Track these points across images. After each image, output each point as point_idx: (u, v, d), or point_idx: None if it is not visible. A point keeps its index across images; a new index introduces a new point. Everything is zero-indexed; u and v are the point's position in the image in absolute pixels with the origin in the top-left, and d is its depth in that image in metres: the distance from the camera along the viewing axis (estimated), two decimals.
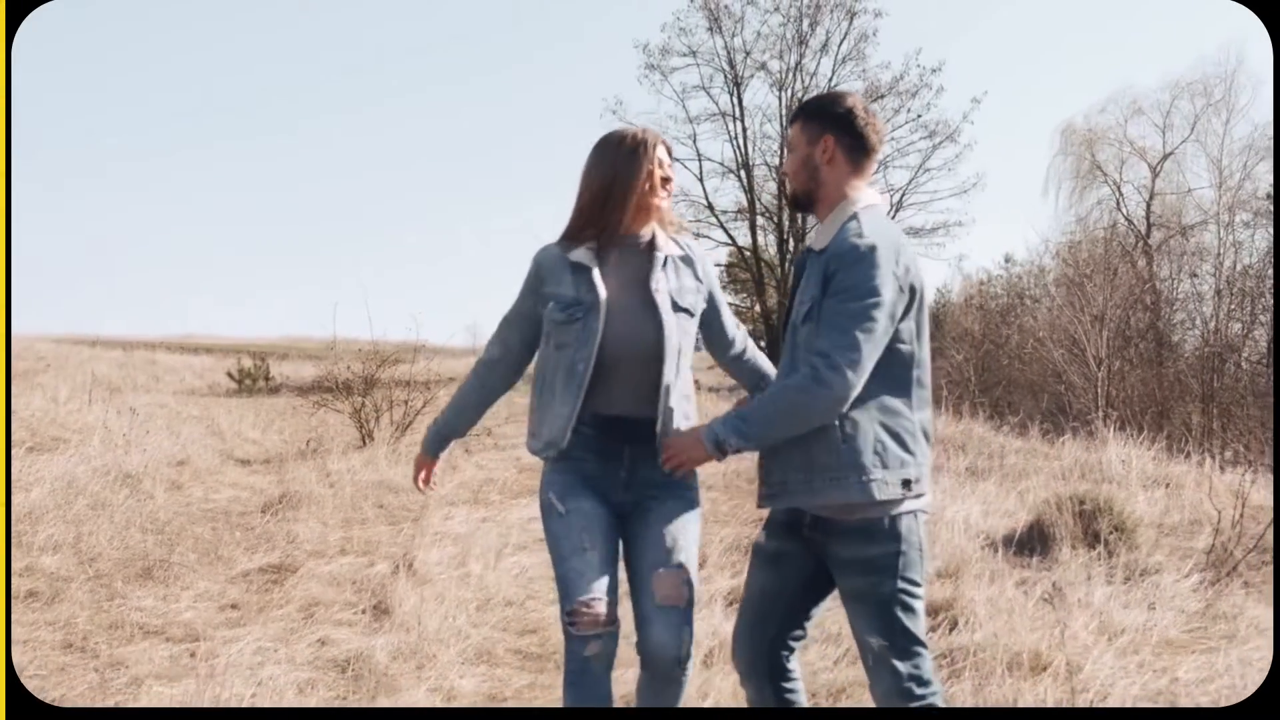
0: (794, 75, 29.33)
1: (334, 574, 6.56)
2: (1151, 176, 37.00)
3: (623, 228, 3.27)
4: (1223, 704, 4.16)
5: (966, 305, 38.20)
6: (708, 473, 13.56)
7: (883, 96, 28.88)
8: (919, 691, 2.96)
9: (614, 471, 3.30)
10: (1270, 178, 31.45)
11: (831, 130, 3.08)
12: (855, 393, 2.88)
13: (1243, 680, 4.33)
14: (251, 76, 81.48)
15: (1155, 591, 6.12)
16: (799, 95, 29.32)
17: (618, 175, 3.23)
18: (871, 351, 2.88)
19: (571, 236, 3.30)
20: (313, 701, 4.46)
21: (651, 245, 3.34)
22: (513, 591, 6.39)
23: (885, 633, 2.97)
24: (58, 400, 13.74)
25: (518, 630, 5.75)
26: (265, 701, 4.33)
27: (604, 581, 3.23)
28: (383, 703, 4.51)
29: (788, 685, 3.30)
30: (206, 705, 4.20)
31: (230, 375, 23.58)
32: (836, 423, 2.93)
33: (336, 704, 4.51)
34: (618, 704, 3.39)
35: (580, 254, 3.27)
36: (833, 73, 29.13)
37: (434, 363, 15.18)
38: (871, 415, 2.95)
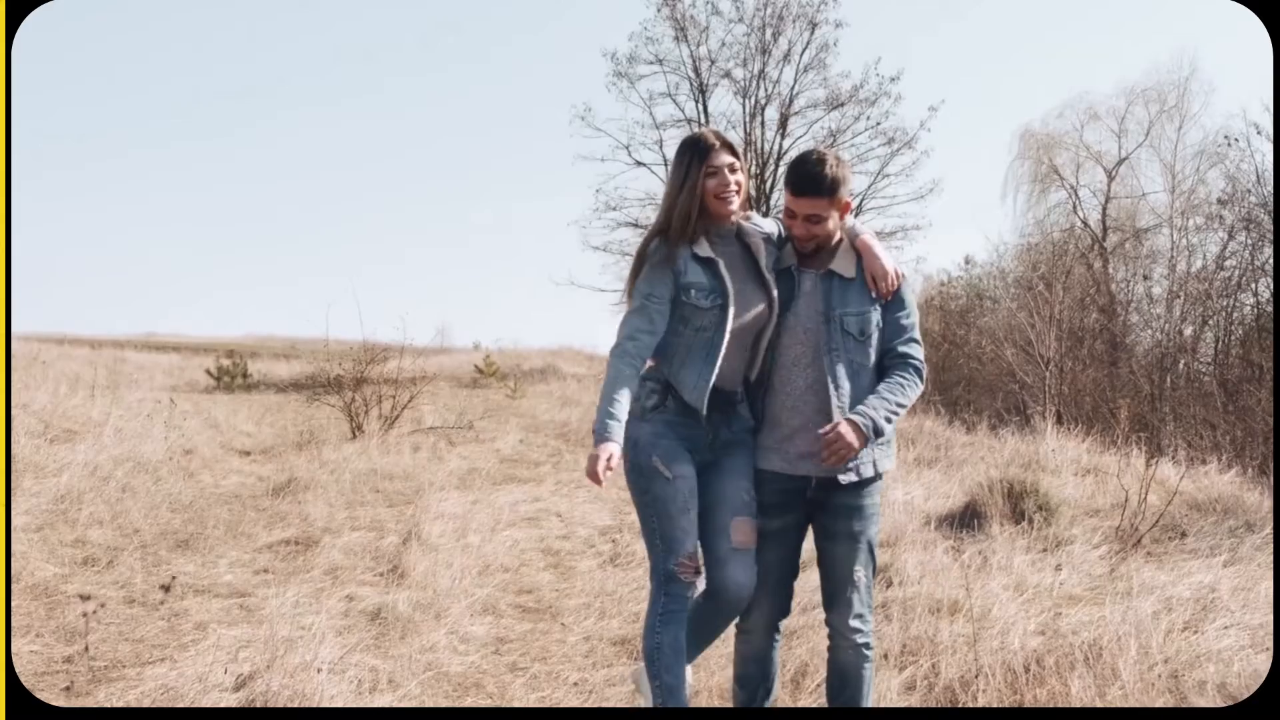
0: (757, 83, 30.14)
1: (349, 545, 7.43)
2: (1107, 181, 38.03)
3: (711, 226, 3.83)
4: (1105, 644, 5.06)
5: (927, 306, 39.16)
6: (553, 435, 14.42)
7: (843, 104, 29.73)
8: (867, 628, 3.87)
9: (702, 434, 3.87)
10: (1222, 183, 32.39)
11: (848, 193, 3.81)
12: None
13: (1121, 623, 5.27)
14: (211, 77, 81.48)
15: (1066, 558, 7.08)
16: (762, 102, 30.15)
17: (685, 186, 3.79)
18: None
19: (678, 233, 3.81)
20: (353, 640, 5.31)
21: (741, 233, 3.89)
22: (508, 559, 7.28)
23: (868, 565, 3.83)
24: (58, 394, 14.45)
25: (516, 590, 6.65)
26: (311, 641, 5.14)
27: (697, 539, 3.85)
28: (410, 645, 5.37)
29: (778, 633, 4.06)
30: (261, 645, 5.03)
31: (209, 372, 24.22)
32: None
33: (371, 646, 5.37)
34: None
35: (703, 248, 3.79)
36: (795, 81, 29.94)
37: (415, 362, 15.94)
38: None
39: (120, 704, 4.44)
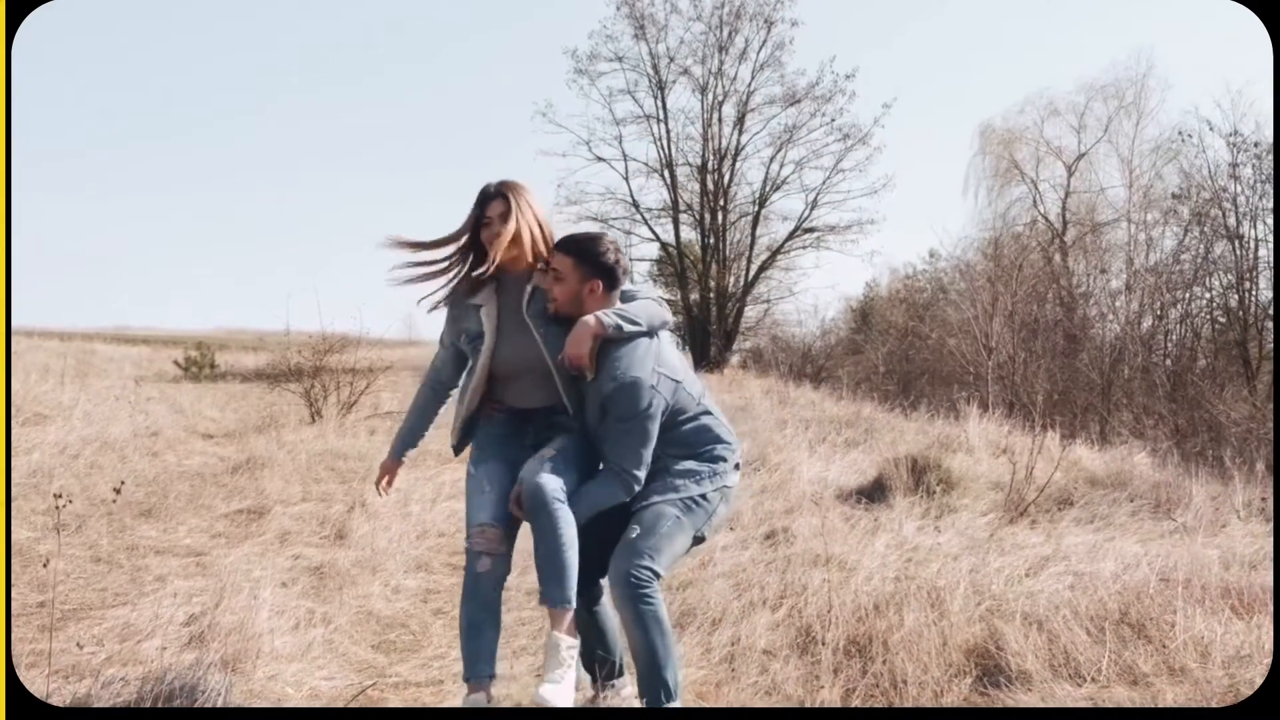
0: (715, 80, 30.94)
1: (299, 513, 8.09)
2: (1067, 175, 38.91)
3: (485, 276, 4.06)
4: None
5: (892, 300, 39.94)
6: None
7: (799, 101, 30.59)
8: (643, 586, 3.92)
9: (521, 438, 4.19)
10: (1178, 179, 33.31)
11: (598, 276, 4.03)
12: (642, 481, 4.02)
13: (964, 570, 5.99)
14: (182, 76, 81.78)
15: (952, 524, 7.80)
16: (719, 99, 30.96)
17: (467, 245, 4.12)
18: (648, 447, 3.99)
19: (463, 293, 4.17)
20: (295, 592, 5.97)
21: (526, 277, 4.11)
22: (445, 526, 7.96)
23: (653, 532, 3.96)
24: (29, 381, 15.03)
25: (449, 551, 7.32)
26: (256, 587, 5.79)
27: (495, 513, 3.98)
28: (347, 595, 6.03)
29: (596, 603, 4.27)
30: (212, 592, 5.68)
31: (177, 363, 24.79)
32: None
33: (310, 593, 6.03)
34: None
35: (480, 296, 4.10)
36: (752, 78, 30.78)
37: (373, 352, 16.57)
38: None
39: (88, 637, 5.09)
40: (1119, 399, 26.71)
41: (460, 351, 4.23)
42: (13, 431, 10.63)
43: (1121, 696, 4.18)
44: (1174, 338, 32.16)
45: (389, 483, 4.46)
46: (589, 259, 4.03)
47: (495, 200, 4.05)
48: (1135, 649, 4.56)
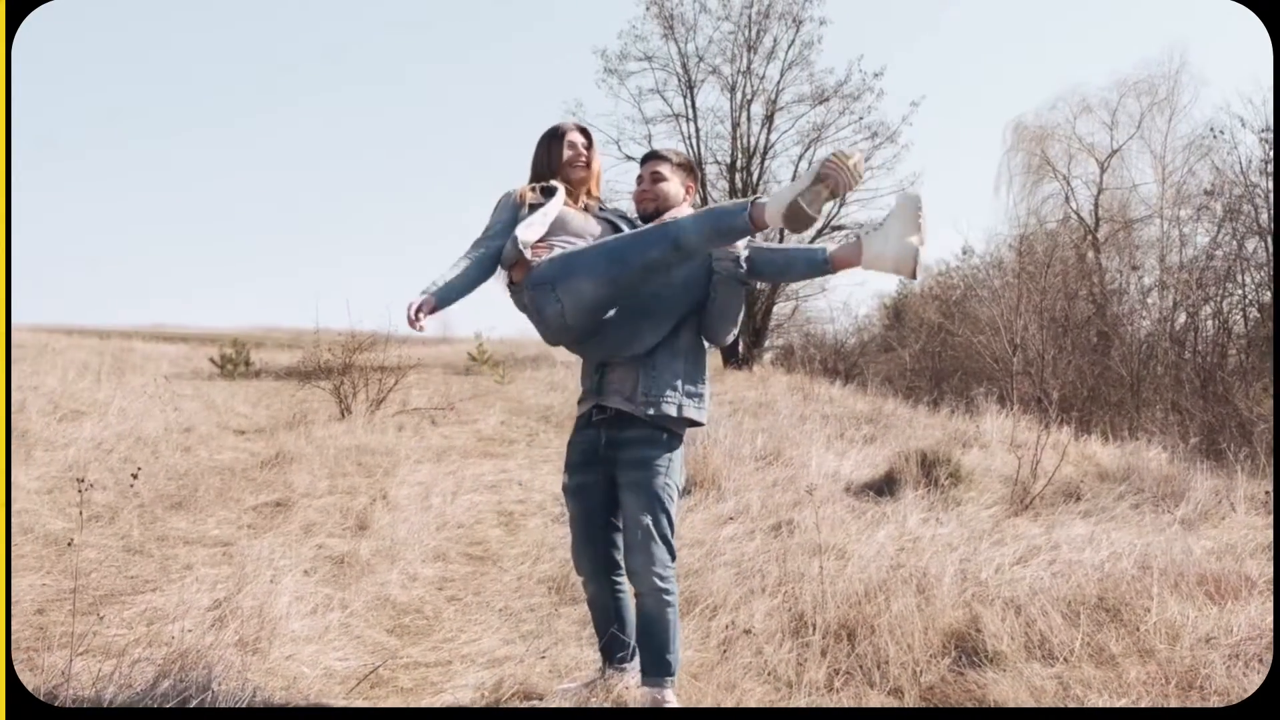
0: (744, 79, 31.07)
1: (324, 506, 8.38)
2: (1099, 172, 38.82)
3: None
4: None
5: (925, 297, 39.99)
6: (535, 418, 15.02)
7: (827, 100, 30.64)
8: (666, 573, 4.21)
9: None
10: (1210, 175, 33.26)
11: (693, 181, 4.70)
12: None
13: (959, 561, 6.21)
14: (202, 70, 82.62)
15: (957, 516, 8.00)
16: (748, 98, 31.10)
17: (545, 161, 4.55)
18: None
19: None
20: (315, 580, 6.26)
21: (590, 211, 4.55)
22: (464, 518, 8.23)
23: (658, 514, 4.19)
24: (66, 379, 15.43)
25: (467, 542, 7.60)
26: (280, 576, 6.08)
27: None
28: (365, 582, 6.31)
29: (617, 580, 4.55)
30: (236, 579, 5.96)
31: (213, 361, 25.19)
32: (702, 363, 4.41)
33: (330, 580, 6.31)
34: None
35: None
36: (780, 76, 30.87)
37: (403, 349, 16.87)
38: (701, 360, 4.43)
39: (117, 621, 5.39)
40: (1149, 396, 26.75)
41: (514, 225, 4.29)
42: (50, 427, 11.00)
43: (1089, 675, 4.40)
44: (1206, 335, 32.12)
45: (422, 313, 4.04)
46: (684, 162, 4.68)
47: (582, 133, 4.65)
48: (1108, 631, 4.77)
